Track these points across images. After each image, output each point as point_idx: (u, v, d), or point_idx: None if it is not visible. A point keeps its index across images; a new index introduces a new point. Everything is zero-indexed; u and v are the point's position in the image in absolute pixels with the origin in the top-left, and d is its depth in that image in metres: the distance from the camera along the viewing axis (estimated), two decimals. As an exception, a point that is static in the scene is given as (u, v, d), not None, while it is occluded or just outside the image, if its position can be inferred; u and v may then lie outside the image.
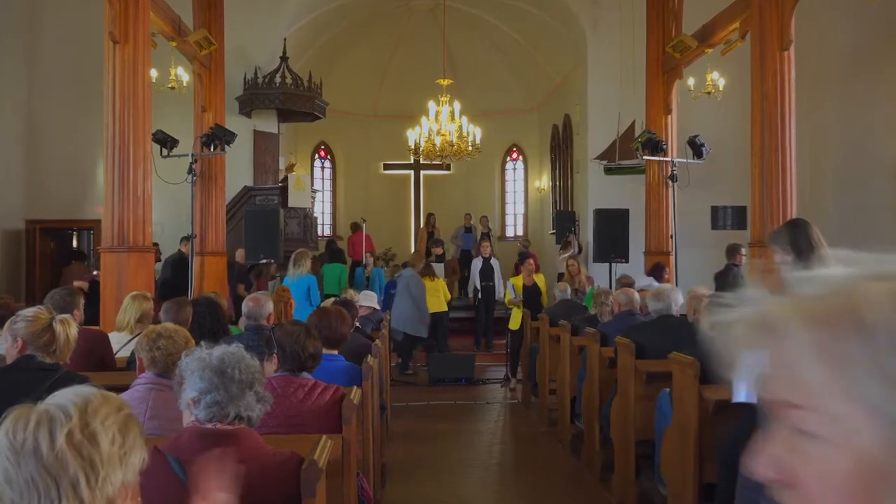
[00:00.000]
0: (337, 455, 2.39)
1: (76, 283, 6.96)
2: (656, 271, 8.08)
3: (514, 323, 8.39)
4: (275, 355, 2.86)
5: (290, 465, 1.88)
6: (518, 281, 8.58)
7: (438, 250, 11.08)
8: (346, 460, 2.52)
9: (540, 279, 8.70)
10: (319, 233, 13.21)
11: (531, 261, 8.90)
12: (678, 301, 4.57)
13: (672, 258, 8.62)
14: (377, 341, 4.71)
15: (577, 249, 10.41)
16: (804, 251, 2.81)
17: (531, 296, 8.42)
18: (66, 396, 1.14)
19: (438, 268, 10.22)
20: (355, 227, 12.59)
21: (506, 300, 8.67)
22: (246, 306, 4.07)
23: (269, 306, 4.05)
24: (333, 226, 15.77)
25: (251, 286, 8.94)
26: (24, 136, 10.88)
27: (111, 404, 1.17)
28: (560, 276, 9.22)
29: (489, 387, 8.53)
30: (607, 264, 9.04)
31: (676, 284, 8.11)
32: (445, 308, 9.16)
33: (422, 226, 14.28)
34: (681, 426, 3.59)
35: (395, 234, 15.29)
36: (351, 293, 6.71)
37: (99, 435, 1.10)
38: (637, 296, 5.38)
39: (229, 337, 4.27)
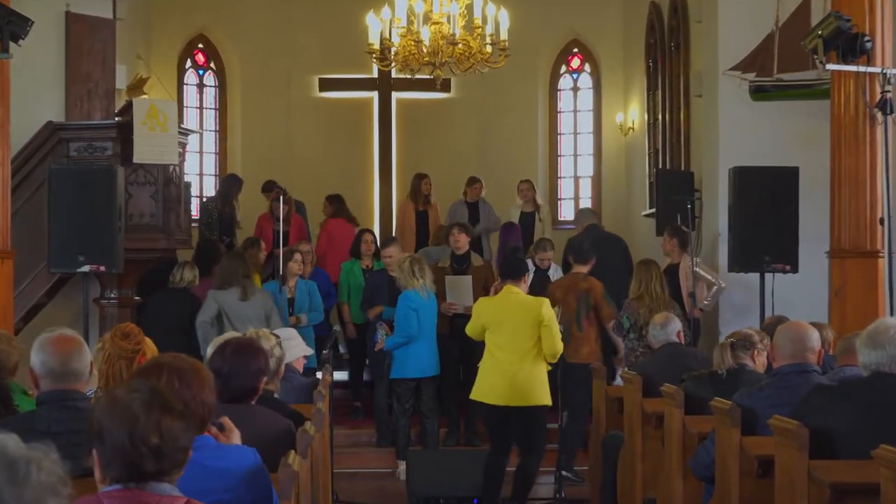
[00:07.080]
0: None
1: None
2: None
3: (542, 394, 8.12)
4: (95, 451, 2.84)
5: None
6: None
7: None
8: None
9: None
10: (194, 212, 13.22)
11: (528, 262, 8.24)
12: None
13: (885, 262, 8.58)
14: (308, 424, 4.74)
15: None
16: None
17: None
18: None
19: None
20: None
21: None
22: (42, 354, 4.13)
23: (87, 356, 4.05)
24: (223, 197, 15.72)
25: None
26: None
27: None
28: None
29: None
30: (757, 275, 9.03)
31: (892, 309, 8.10)
32: None
33: (406, 196, 14.22)
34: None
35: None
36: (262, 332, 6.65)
37: None
38: (816, 337, 5.41)
39: (15, 417, 4.41)
